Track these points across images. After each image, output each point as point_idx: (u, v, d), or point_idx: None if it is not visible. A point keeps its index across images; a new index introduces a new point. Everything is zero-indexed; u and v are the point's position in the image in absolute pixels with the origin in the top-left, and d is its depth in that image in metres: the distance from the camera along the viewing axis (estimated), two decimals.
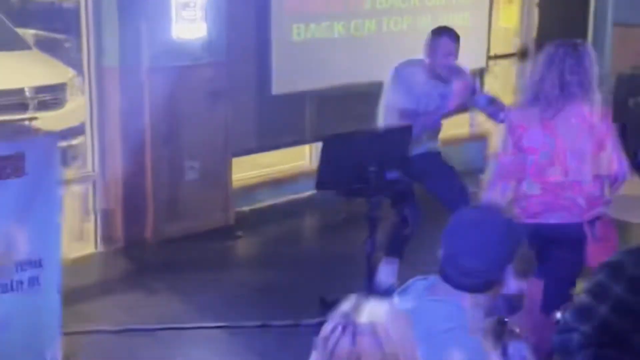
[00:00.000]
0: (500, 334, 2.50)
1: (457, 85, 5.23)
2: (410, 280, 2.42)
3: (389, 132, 4.96)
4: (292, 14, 6.65)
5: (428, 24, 7.58)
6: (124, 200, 5.95)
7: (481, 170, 8.03)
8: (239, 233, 6.27)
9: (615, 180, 3.98)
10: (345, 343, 1.77)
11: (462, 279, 2.27)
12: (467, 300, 2.28)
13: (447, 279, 2.30)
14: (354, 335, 1.77)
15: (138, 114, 5.88)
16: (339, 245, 5.90)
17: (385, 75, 7.28)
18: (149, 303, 5.17)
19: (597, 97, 3.89)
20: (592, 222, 3.93)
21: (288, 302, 5.10)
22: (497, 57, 8.75)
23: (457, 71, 5.27)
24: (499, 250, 2.28)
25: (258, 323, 4.84)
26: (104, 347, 4.66)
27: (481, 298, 2.30)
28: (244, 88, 6.49)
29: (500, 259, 2.28)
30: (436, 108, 5.24)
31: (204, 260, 5.81)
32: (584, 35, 8.99)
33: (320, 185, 4.82)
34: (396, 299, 2.42)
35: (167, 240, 5.99)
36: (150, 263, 5.80)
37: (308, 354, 4.75)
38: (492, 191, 4.00)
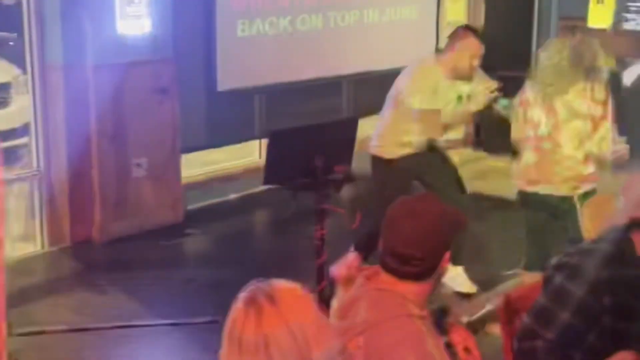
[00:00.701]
0: (443, 321, 2.53)
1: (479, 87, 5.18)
2: (353, 270, 2.43)
3: (335, 125, 4.97)
4: (238, 9, 6.63)
5: (375, 19, 7.65)
6: (71, 199, 5.88)
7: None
8: (188, 230, 6.24)
9: None
10: (250, 326, 1.75)
11: (401, 268, 2.29)
12: (408, 288, 2.30)
13: (387, 268, 2.32)
14: (258, 317, 1.75)
15: (83, 112, 5.81)
16: (288, 240, 5.90)
17: (333, 69, 7.35)
18: (96, 302, 5.12)
19: None
20: None
21: (236, 299, 5.07)
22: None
23: (480, 73, 5.23)
24: (436, 238, 2.30)
25: (207, 319, 4.82)
26: (52, 347, 4.60)
27: (422, 286, 2.32)
28: (191, 84, 6.46)
29: (437, 246, 2.30)
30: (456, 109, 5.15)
31: (152, 258, 5.77)
32: (529, 29, 9.11)
33: (267, 180, 4.81)
34: (339, 289, 2.44)
35: (114, 239, 5.94)
36: (97, 262, 5.75)
37: None
38: None
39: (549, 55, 4.33)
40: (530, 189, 4.38)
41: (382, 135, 5.24)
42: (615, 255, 2.79)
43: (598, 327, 2.77)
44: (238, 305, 1.80)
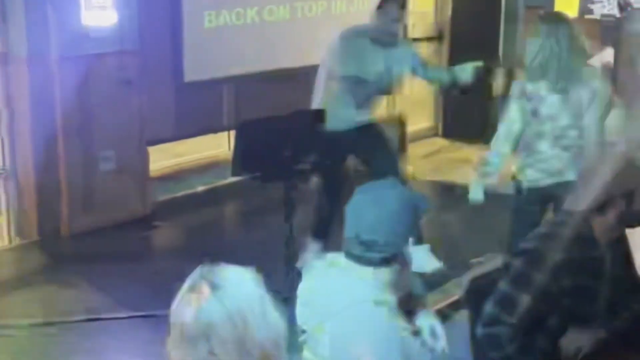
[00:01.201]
0: (410, 307, 2.53)
1: (400, 53, 5.22)
2: (317, 258, 2.43)
3: (302, 115, 4.97)
4: (205, 0, 6.59)
5: (342, 9, 7.63)
6: (37, 192, 5.82)
7: (397, 151, 8.14)
8: (157, 223, 6.21)
9: None
10: (190, 312, 1.72)
11: (364, 254, 2.30)
12: (372, 274, 2.31)
13: (350, 254, 2.32)
14: (198, 303, 1.73)
15: (49, 105, 5.75)
16: (257, 231, 5.88)
17: (302, 59, 7.32)
18: (65, 296, 5.08)
19: None
20: None
21: None
22: (415, 40, 8.85)
23: (401, 39, 5.29)
24: (399, 224, 2.31)
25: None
26: (20, 341, 4.56)
27: (385, 272, 2.32)
28: (158, 76, 6.41)
29: (400, 232, 2.31)
30: (380, 75, 5.18)
31: (121, 251, 5.73)
32: (496, 17, 9.14)
33: (236, 171, 4.81)
34: (304, 276, 2.44)
35: (82, 233, 5.89)
36: (65, 256, 5.69)
37: None
38: None
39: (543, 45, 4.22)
40: (549, 181, 4.28)
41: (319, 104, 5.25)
42: (574, 239, 2.83)
43: (559, 310, 2.81)
44: (181, 291, 1.78)
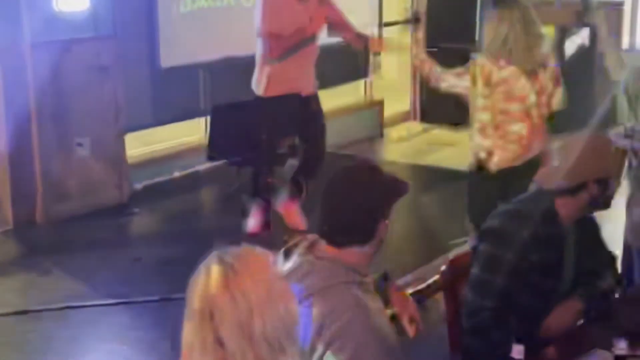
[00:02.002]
0: (384, 288, 2.53)
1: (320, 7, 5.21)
2: (292, 241, 2.42)
3: (279, 99, 4.95)
4: None
5: None
6: (12, 180, 5.76)
7: (376, 137, 8.16)
8: (134, 210, 6.17)
9: None
10: (198, 294, 1.71)
11: (339, 236, 2.30)
12: (347, 255, 2.30)
13: (326, 236, 2.32)
14: (206, 284, 1.71)
15: (21, 92, 5.69)
16: (235, 216, 5.86)
17: None
18: (41, 285, 5.04)
19: None
20: None
21: (185, 275, 5.02)
22: (393, 23, 8.83)
23: None
24: (373, 206, 2.31)
25: (154, 298, 4.79)
26: None
27: (361, 253, 2.32)
28: (133, 62, 6.36)
29: (374, 214, 2.31)
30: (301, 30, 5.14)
31: (98, 238, 5.69)
32: (473, 1, 9.13)
33: (211, 155, 4.80)
34: (280, 259, 2.42)
35: (58, 220, 5.85)
36: (41, 244, 5.65)
37: None
38: None
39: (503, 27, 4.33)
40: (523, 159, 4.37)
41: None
42: (537, 215, 2.84)
43: (529, 287, 2.82)
44: (197, 272, 1.76)
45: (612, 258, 3.13)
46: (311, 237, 2.38)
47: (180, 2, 6.53)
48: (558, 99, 4.50)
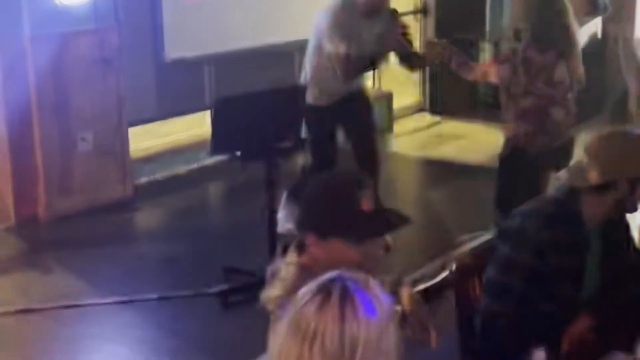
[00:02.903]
0: (394, 286, 2.42)
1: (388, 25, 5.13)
2: (289, 240, 2.31)
3: (284, 92, 4.83)
4: None
5: None
6: (13, 176, 5.65)
7: (387, 130, 8.02)
8: (138, 205, 6.06)
9: None
10: (309, 313, 1.58)
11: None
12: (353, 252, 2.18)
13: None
14: (321, 307, 1.57)
15: (22, 85, 5.57)
16: (239, 212, 5.75)
17: (285, 36, 7.14)
18: (44, 282, 4.95)
19: None
20: None
21: (189, 273, 4.95)
22: (402, 14, 8.68)
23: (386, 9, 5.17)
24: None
25: (155, 296, 4.68)
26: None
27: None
28: (137, 54, 6.25)
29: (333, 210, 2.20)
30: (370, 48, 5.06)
31: (101, 235, 5.58)
32: None
33: (214, 150, 4.68)
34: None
35: (61, 216, 5.74)
36: (43, 240, 5.56)
37: (208, 322, 4.60)
38: None
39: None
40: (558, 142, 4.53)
41: (308, 80, 5.16)
42: (560, 217, 2.69)
43: (547, 292, 2.69)
44: (309, 287, 1.63)
45: None
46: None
47: None
48: (583, 79, 4.67)
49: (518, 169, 4.55)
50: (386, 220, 2.22)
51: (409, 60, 5.31)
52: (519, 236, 2.69)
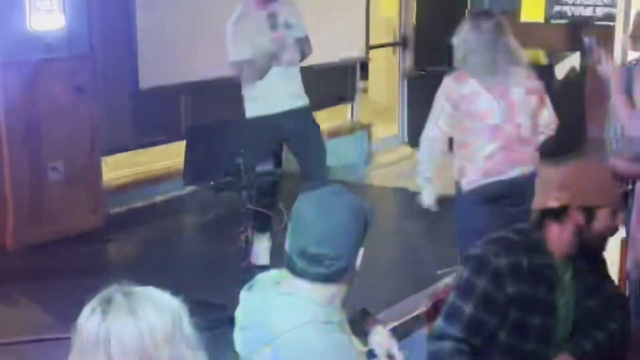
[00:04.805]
0: (362, 325, 2.33)
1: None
2: (258, 275, 2.20)
3: (256, 120, 4.76)
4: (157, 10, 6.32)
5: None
6: None
7: (363, 163, 7.96)
8: (110, 236, 5.93)
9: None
10: (95, 321, 1.63)
11: (311, 269, 2.06)
12: (319, 291, 2.08)
13: (295, 270, 2.08)
14: (105, 312, 1.64)
15: None
16: (212, 243, 5.63)
17: None
18: (8, 315, 4.80)
19: None
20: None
21: None
22: (380, 46, 8.70)
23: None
24: (349, 235, 2.08)
25: None
26: None
27: (334, 288, 2.09)
28: (111, 83, 6.16)
29: (350, 243, 2.08)
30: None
31: (70, 266, 5.43)
32: (462, 22, 9.00)
33: (187, 180, 4.59)
34: (243, 296, 2.20)
35: (29, 247, 5.61)
36: (9, 271, 5.39)
37: None
38: None
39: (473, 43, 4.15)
40: (492, 178, 4.20)
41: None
42: (523, 245, 2.63)
43: (509, 322, 2.61)
44: (90, 302, 1.70)
45: (621, 297, 2.92)
46: (279, 271, 2.15)
47: (157, 27, 6.32)
48: (544, 121, 4.30)
49: (468, 208, 4.30)
50: None
51: None
52: (479, 261, 2.63)
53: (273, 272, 2.17)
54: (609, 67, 3.78)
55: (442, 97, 4.21)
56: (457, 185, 4.32)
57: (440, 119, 4.21)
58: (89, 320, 1.64)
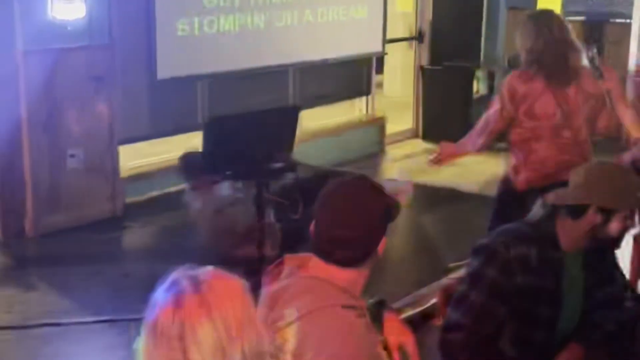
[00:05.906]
0: (378, 312, 2.37)
1: None
2: (284, 257, 2.25)
3: (275, 113, 4.81)
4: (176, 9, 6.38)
5: (310, 19, 7.42)
6: (1, 191, 5.62)
7: (377, 155, 8.01)
8: (127, 223, 6.01)
9: None
10: (167, 314, 1.59)
11: (335, 252, 2.11)
12: (342, 275, 2.13)
13: (320, 252, 2.14)
14: (177, 303, 1.60)
15: (13, 100, 5.54)
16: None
17: (279, 59, 7.11)
18: (27, 299, 4.87)
19: None
20: None
21: None
22: (397, 40, 8.73)
23: None
24: (373, 220, 2.13)
25: (141, 316, 4.61)
26: None
27: (356, 273, 2.15)
28: (130, 72, 6.22)
29: (374, 229, 2.14)
30: None
31: (87, 253, 5.52)
32: (479, 18, 9.02)
33: (205, 170, 4.64)
34: (267, 277, 2.26)
35: (48, 233, 5.69)
36: (29, 257, 5.50)
37: None
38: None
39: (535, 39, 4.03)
40: (547, 181, 3.96)
41: None
42: (533, 237, 2.67)
43: (518, 313, 2.65)
44: (159, 290, 1.65)
45: (630, 288, 2.96)
46: (300, 255, 2.21)
47: (178, 26, 6.37)
48: (605, 122, 4.09)
49: (508, 206, 4.16)
50: None
51: None
52: (489, 251, 2.67)
53: (297, 255, 2.22)
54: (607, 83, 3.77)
55: (506, 94, 4.08)
56: (507, 182, 4.23)
57: (500, 113, 4.12)
58: (162, 312, 1.60)
